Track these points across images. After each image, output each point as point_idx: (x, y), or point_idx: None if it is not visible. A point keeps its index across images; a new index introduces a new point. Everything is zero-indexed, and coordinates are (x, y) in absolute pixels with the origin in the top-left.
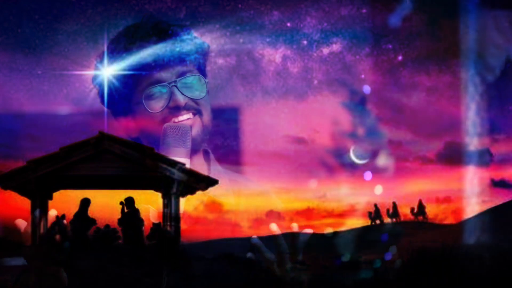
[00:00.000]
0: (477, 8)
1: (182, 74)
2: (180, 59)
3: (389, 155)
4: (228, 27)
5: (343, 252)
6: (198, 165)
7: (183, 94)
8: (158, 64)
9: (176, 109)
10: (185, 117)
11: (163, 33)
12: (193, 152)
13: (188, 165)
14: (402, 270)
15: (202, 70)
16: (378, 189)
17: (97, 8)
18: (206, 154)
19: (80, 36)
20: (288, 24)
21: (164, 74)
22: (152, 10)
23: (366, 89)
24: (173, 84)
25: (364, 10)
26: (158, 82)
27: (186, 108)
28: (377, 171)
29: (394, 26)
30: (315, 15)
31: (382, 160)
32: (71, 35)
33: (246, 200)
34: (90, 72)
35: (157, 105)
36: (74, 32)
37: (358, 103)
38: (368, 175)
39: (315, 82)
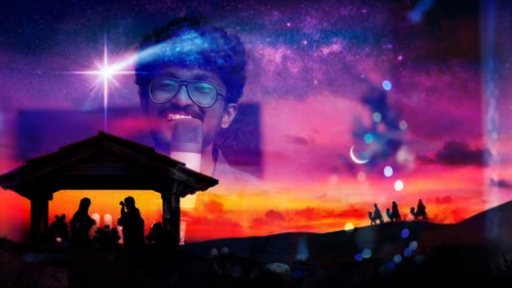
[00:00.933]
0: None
1: (199, 78)
2: (203, 62)
3: (408, 151)
4: (228, 27)
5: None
6: (205, 163)
7: (189, 96)
8: (180, 60)
9: (175, 107)
10: (181, 118)
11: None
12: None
13: (198, 159)
14: (403, 268)
15: (230, 88)
16: (399, 185)
17: (97, 8)
18: (215, 152)
19: (80, 36)
20: (288, 24)
21: (181, 71)
22: (152, 10)
23: (387, 84)
24: (184, 83)
25: (364, 10)
26: (174, 76)
27: (186, 111)
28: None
29: (414, 21)
30: (315, 15)
31: (402, 156)
32: (71, 35)
33: (246, 200)
34: (90, 72)
35: (161, 97)
36: (74, 32)
37: (377, 99)
38: (388, 171)
39: (315, 82)
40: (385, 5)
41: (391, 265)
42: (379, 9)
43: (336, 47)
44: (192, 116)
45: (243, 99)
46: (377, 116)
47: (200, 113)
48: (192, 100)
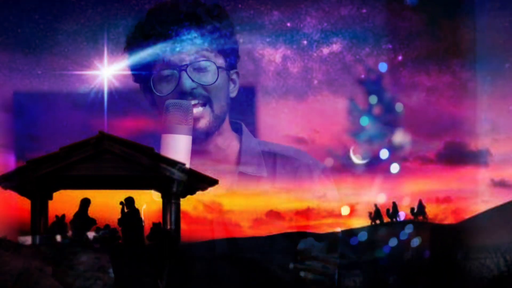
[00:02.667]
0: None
1: (196, 58)
2: (199, 44)
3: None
4: (228, 27)
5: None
6: (225, 136)
7: (192, 80)
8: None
9: (181, 95)
10: (171, 100)
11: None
12: (203, 135)
13: (189, 142)
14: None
15: (227, 56)
16: (395, 168)
17: (97, 8)
18: (235, 125)
19: (80, 36)
20: (288, 24)
21: (178, 57)
22: None
23: (382, 66)
24: (183, 68)
25: (364, 10)
26: (172, 64)
27: (193, 95)
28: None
29: (411, 4)
30: (315, 15)
31: (398, 138)
32: (71, 35)
33: (245, 200)
34: (90, 72)
35: (165, 89)
36: (74, 32)
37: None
38: (384, 153)
39: (315, 82)
40: (385, 5)
41: (387, 248)
42: (379, 9)
43: (336, 47)
44: (200, 99)
45: (243, 99)
46: (373, 99)
47: (206, 94)
48: (196, 82)
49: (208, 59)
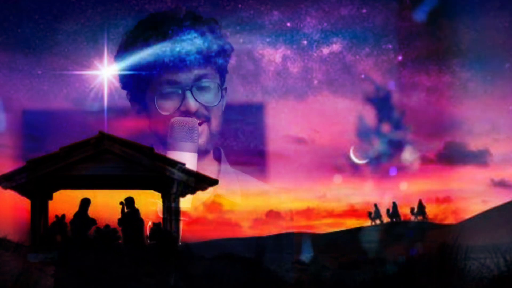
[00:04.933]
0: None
1: (199, 78)
2: (200, 60)
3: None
4: (228, 27)
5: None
6: (207, 163)
7: (196, 100)
8: (176, 62)
9: (186, 114)
10: (177, 117)
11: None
12: (201, 152)
13: (195, 159)
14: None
15: (222, 74)
16: (403, 186)
17: (97, 8)
18: (216, 151)
19: (80, 36)
20: (288, 24)
21: (182, 75)
22: (152, 10)
23: (391, 84)
24: (188, 88)
25: (364, 10)
26: (175, 83)
27: (197, 115)
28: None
29: (420, 20)
30: (315, 15)
31: (407, 155)
32: (71, 35)
33: (247, 202)
34: (90, 72)
35: (170, 107)
36: (74, 32)
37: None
38: (393, 171)
39: (315, 82)
40: (385, 5)
41: (396, 265)
42: (379, 9)
43: (336, 47)
44: (202, 120)
45: (243, 99)
46: (381, 115)
47: (207, 113)
48: (199, 103)
49: (210, 80)
